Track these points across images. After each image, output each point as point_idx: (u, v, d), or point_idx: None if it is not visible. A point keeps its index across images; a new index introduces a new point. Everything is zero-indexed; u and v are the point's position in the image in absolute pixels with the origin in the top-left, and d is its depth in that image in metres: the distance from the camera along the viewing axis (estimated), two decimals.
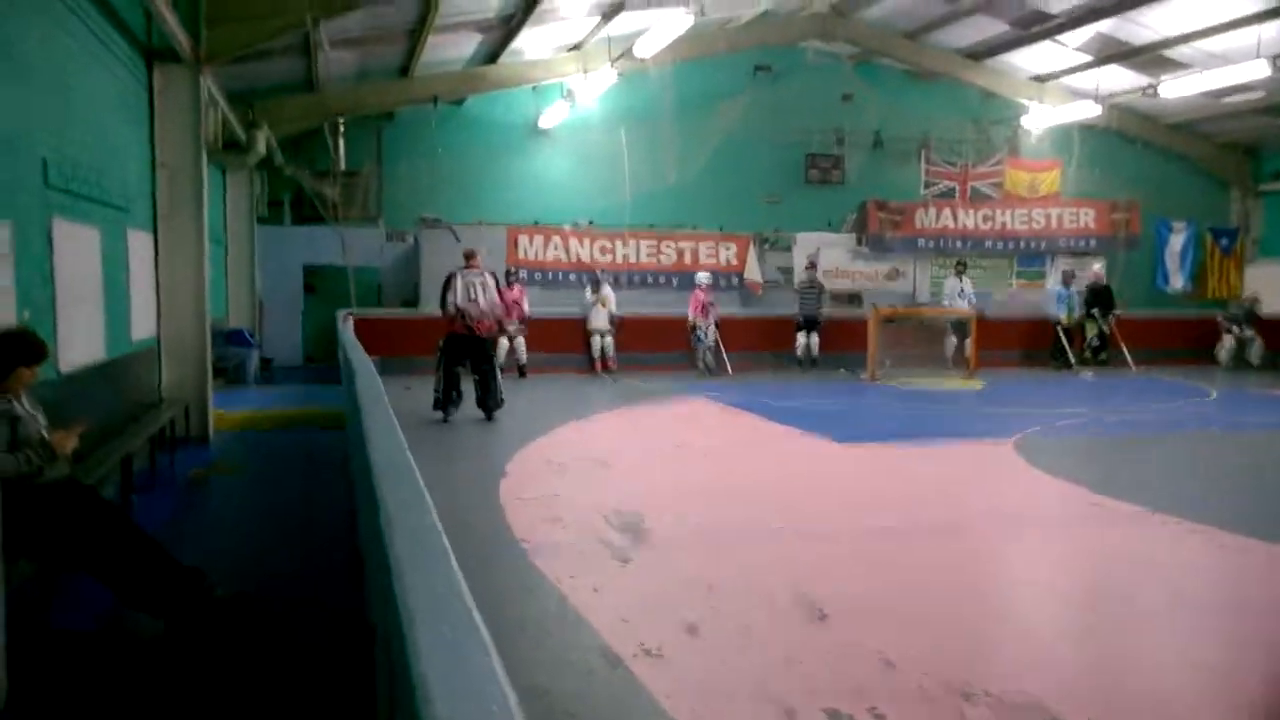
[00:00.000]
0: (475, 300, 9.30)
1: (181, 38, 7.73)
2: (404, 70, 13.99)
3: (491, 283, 9.53)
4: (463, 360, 9.49)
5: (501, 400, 9.61)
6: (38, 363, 4.06)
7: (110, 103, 6.95)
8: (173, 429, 7.67)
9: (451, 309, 9.40)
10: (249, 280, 14.00)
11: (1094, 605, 4.73)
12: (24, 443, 3.83)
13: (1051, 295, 15.99)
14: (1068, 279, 15.82)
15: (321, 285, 15.28)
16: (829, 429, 9.34)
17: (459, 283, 9.38)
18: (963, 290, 15.08)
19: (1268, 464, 8.25)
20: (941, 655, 3.91)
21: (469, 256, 9.73)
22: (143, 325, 7.65)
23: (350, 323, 11.57)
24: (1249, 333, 15.71)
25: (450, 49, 13.70)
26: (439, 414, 9.52)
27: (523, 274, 14.33)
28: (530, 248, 15.22)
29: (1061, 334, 15.64)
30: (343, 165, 15.05)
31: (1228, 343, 15.82)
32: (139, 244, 7.58)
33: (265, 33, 8.52)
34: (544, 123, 15.80)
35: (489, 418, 9.53)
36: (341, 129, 14.91)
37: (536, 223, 15.50)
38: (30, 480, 3.78)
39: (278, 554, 5.33)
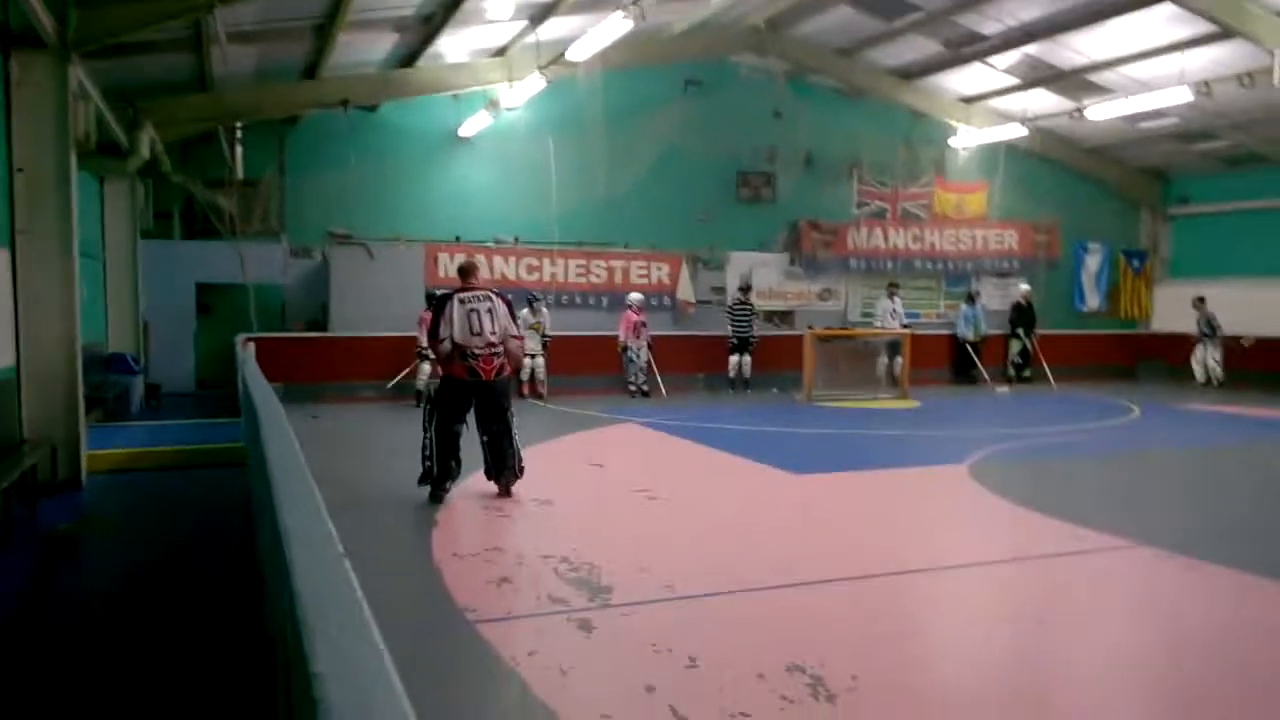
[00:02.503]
0: (480, 332, 6.86)
1: (45, 19, 6.64)
2: (311, 71, 12.88)
3: (503, 308, 7.02)
4: (463, 415, 6.97)
5: (522, 468, 7.08)
6: None
7: None
8: (33, 475, 6.46)
9: (447, 346, 6.83)
10: (132, 300, 12.61)
11: (1151, 666, 4.18)
12: None
13: (960, 316, 16.32)
14: (973, 298, 16.30)
15: (218, 305, 13.97)
16: (779, 458, 8.80)
17: (455, 310, 6.87)
18: (894, 310, 15.09)
19: (1228, 484, 8.02)
20: None
21: (467, 272, 7.22)
22: None
23: (251, 347, 10.47)
24: (1214, 349, 15.96)
25: (363, 49, 12.69)
26: (426, 489, 6.93)
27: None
28: (451, 266, 14.24)
29: (970, 351, 15.97)
30: (240, 174, 13.80)
31: (1199, 356, 16.08)
32: None
33: (146, 17, 7.44)
34: (465, 131, 14.89)
35: (505, 493, 7.03)
36: (239, 134, 13.68)
37: (458, 239, 14.56)
38: None
39: (159, 633, 4.34)
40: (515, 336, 7.10)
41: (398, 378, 12.57)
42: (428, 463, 6.90)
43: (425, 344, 12.18)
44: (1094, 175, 18.42)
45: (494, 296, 7.07)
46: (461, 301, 6.91)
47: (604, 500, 7.21)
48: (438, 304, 7.05)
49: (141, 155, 10.69)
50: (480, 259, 14.18)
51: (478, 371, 6.81)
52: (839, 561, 5.53)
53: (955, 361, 16.20)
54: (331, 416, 11.49)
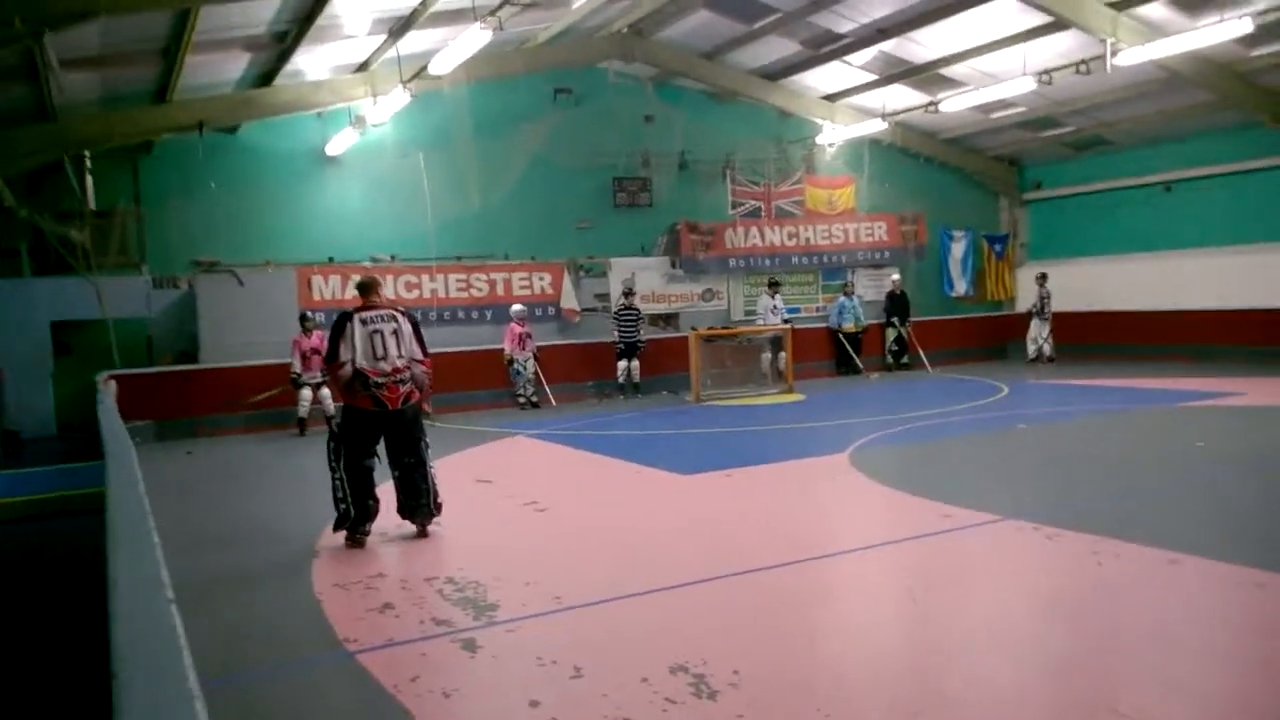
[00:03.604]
0: (385, 355, 6.24)
1: None
2: (161, 94, 12.34)
3: (409, 329, 6.41)
4: (372, 449, 6.37)
5: (439, 504, 6.47)
6: None
7: None
8: None
9: (348, 370, 6.19)
10: None
11: (1026, 628, 4.41)
12: None
13: (834, 307, 16.92)
14: (849, 290, 16.92)
15: (78, 343, 13.20)
16: (665, 460, 8.93)
17: (356, 330, 6.23)
18: (775, 307, 15.46)
19: (1087, 455, 8.55)
20: (856, 715, 3.41)
21: (368, 289, 6.53)
22: None
23: (112, 386, 9.97)
24: (1045, 327, 16.94)
25: (216, 70, 12.23)
26: (343, 536, 6.29)
27: (319, 317, 13.00)
28: (326, 288, 13.88)
29: (845, 342, 16.60)
30: (92, 205, 13.08)
31: (1031, 333, 17.06)
32: None
33: None
34: (332, 150, 14.51)
35: (421, 533, 6.41)
36: (88, 163, 12.97)
37: (331, 260, 14.19)
38: None
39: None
40: (422, 362, 6.43)
41: (263, 395, 12.09)
42: (342, 505, 6.25)
43: (299, 370, 11.87)
44: (954, 165, 19.31)
45: (399, 316, 6.44)
46: (363, 322, 6.25)
47: (491, 516, 7.15)
48: (335, 324, 6.37)
49: None
50: (356, 279, 13.89)
51: (383, 401, 6.19)
52: (723, 560, 5.60)
53: (836, 354, 16.73)
54: (207, 451, 11.04)
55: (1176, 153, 16.70)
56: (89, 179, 13.01)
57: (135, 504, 2.99)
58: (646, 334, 14.79)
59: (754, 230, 17.08)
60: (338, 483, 6.25)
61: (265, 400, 12.11)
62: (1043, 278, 17.10)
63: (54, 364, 13.00)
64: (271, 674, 4.17)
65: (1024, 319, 17.51)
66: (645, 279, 15.90)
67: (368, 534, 6.31)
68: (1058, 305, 17.03)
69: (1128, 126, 16.64)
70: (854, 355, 16.54)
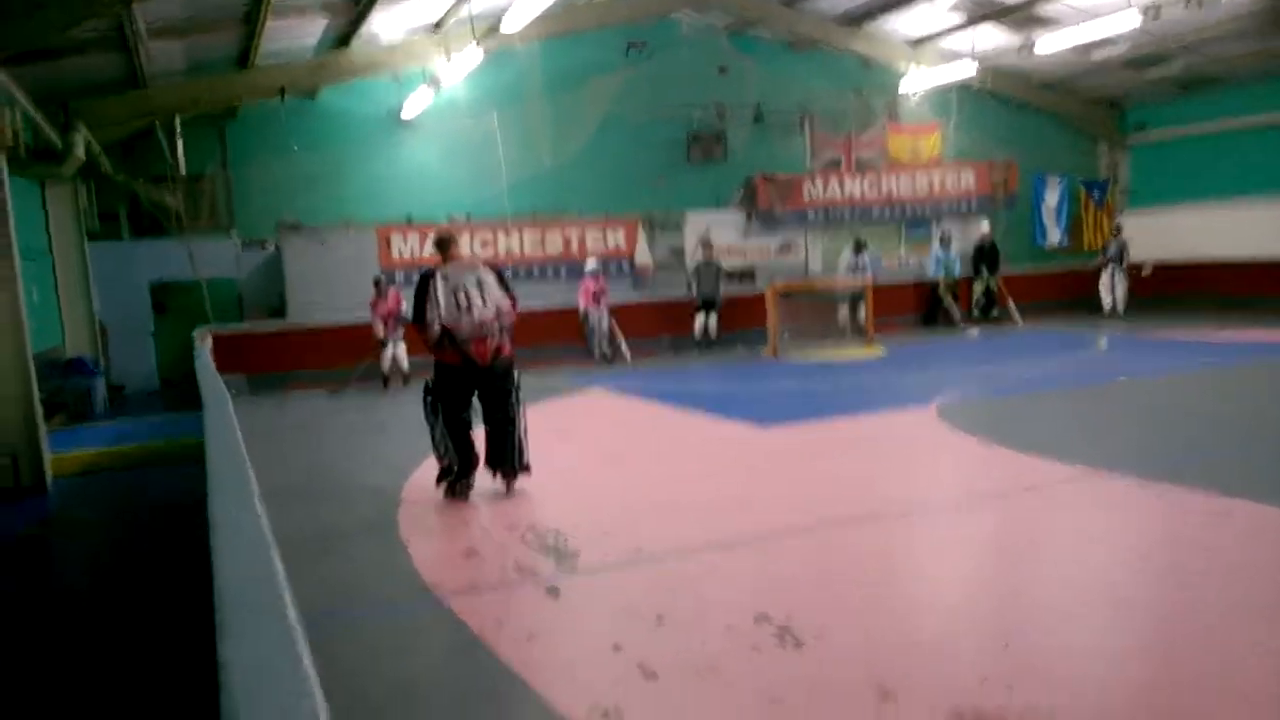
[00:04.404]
0: (470, 309, 6.09)
1: None
2: (243, 60, 12.59)
3: (493, 280, 6.24)
4: (469, 400, 6.27)
5: (526, 465, 6.32)
6: None
7: None
8: None
9: (436, 329, 6.08)
10: (85, 303, 12.39)
11: (1122, 589, 4.23)
12: None
13: (930, 258, 16.22)
14: (945, 240, 16.12)
15: (173, 303, 13.75)
16: (745, 413, 8.80)
17: (439, 287, 6.08)
18: (859, 264, 14.95)
19: (1195, 410, 8.14)
20: (945, 678, 3.30)
21: (445, 244, 6.37)
22: None
23: (209, 341, 10.35)
24: (1118, 274, 16.15)
25: (294, 35, 12.39)
26: (441, 489, 6.27)
27: (397, 276, 13.25)
28: (405, 247, 14.11)
29: (942, 293, 15.96)
30: (183, 170, 13.50)
31: (1107, 282, 16.27)
32: None
33: (59, 21, 7.16)
34: (408, 113, 14.63)
35: (508, 490, 6.31)
36: (178, 129, 13.37)
37: (409, 220, 14.38)
38: None
39: (119, 632, 4.29)
40: (509, 310, 6.25)
41: (355, 370, 12.25)
42: (445, 460, 6.20)
43: (381, 334, 12.05)
44: (1048, 109, 18.42)
45: (481, 268, 6.27)
46: (444, 278, 6.09)
47: (570, 468, 7.19)
48: (419, 285, 6.21)
49: (78, 157, 10.43)
50: (433, 236, 14.03)
51: (471, 357, 6.08)
52: (805, 512, 5.51)
53: (928, 305, 16.17)
54: (298, 404, 11.42)
55: None
56: (180, 144, 13.41)
57: (234, 450, 3.06)
58: (724, 289, 14.61)
59: (833, 181, 16.66)
60: (439, 436, 6.19)
61: (359, 372, 12.26)
62: (1118, 228, 16.33)
63: (153, 323, 13.59)
64: (363, 616, 4.28)
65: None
66: (721, 233, 15.70)
67: (471, 486, 6.25)
68: (1157, 253, 16.18)
69: (1240, 63, 15.53)
70: (952, 307, 15.91)
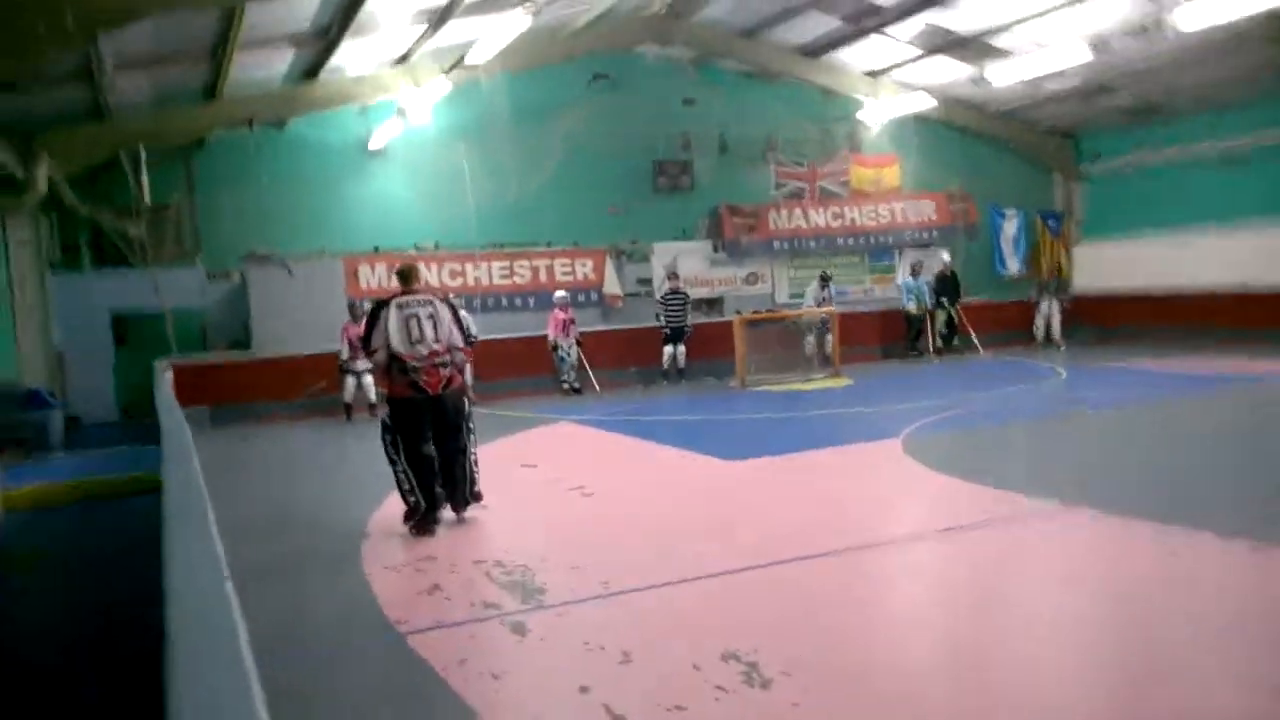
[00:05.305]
0: (421, 340, 6.19)
1: None
2: (211, 91, 12.56)
3: (447, 314, 6.36)
4: (427, 433, 6.26)
5: (477, 494, 6.54)
6: None
7: None
8: None
9: (381, 356, 6.25)
10: (42, 334, 12.21)
11: (1093, 624, 4.32)
12: None
13: (901, 287, 16.42)
14: (915, 270, 16.31)
15: (135, 333, 13.59)
16: (712, 446, 8.86)
17: (391, 316, 6.19)
18: (825, 298, 15.13)
19: (1148, 441, 8.32)
20: (915, 715, 3.36)
21: (406, 276, 6.50)
22: None
23: (170, 373, 10.25)
24: (1054, 306, 16.69)
25: (262, 66, 12.39)
26: (410, 530, 6.20)
27: (366, 304, 13.19)
28: (372, 278, 14.07)
29: (914, 323, 16.13)
30: (148, 200, 13.39)
31: (1044, 311, 16.79)
32: None
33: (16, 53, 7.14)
34: (375, 143, 14.66)
35: (459, 519, 6.43)
36: (143, 160, 13.27)
37: (377, 249, 14.37)
38: None
39: (66, 666, 4.22)
40: (462, 348, 6.40)
41: (314, 387, 12.33)
42: (411, 498, 6.20)
43: (346, 357, 12.06)
44: (1004, 140, 18.80)
45: (437, 302, 6.39)
46: (399, 307, 6.22)
47: (537, 501, 7.20)
48: (372, 311, 6.39)
49: (39, 189, 10.35)
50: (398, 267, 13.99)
51: (422, 387, 6.17)
52: (772, 547, 5.52)
53: (908, 334, 16.19)
54: (257, 436, 11.31)
55: (1247, 119, 15.83)
56: (144, 175, 13.30)
57: (191, 483, 3.05)
58: (693, 319, 14.70)
59: (798, 211, 16.88)
60: (402, 475, 6.22)
61: (316, 392, 12.35)
62: (1058, 266, 17.19)
63: (114, 353, 13.40)
64: (323, 654, 4.25)
65: (1083, 301, 16.99)
66: (687, 263, 15.83)
67: (438, 522, 6.27)
68: (1105, 284, 16.60)
69: (1192, 93, 15.93)
70: (927, 334, 16.03)
